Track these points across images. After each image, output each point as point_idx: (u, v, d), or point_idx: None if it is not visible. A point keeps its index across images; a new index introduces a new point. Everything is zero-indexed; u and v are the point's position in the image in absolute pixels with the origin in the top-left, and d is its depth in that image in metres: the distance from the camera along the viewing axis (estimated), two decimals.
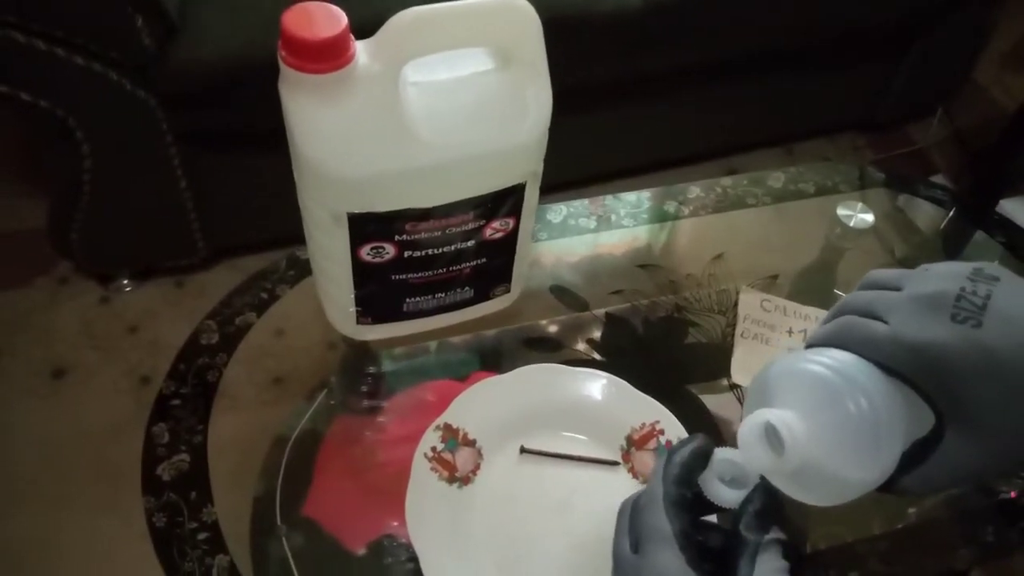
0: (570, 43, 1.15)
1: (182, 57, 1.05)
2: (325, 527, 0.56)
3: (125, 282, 1.35)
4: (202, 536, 0.54)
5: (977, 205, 0.90)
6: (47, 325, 1.31)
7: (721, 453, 0.40)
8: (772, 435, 0.36)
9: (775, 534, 0.37)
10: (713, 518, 0.41)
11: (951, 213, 0.85)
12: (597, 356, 0.67)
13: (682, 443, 0.40)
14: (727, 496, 0.39)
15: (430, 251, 0.57)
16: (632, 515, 0.39)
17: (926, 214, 0.85)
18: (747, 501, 0.38)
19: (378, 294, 0.60)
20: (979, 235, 0.83)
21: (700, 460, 0.39)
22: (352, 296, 0.59)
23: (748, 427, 0.37)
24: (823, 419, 0.36)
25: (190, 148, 1.17)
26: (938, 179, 1.58)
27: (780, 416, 0.36)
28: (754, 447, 0.36)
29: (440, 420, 0.58)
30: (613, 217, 0.78)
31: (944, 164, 1.67)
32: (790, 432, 0.35)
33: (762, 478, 0.39)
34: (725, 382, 0.66)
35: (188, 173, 1.19)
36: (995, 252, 0.81)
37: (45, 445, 1.18)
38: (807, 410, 0.36)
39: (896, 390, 0.37)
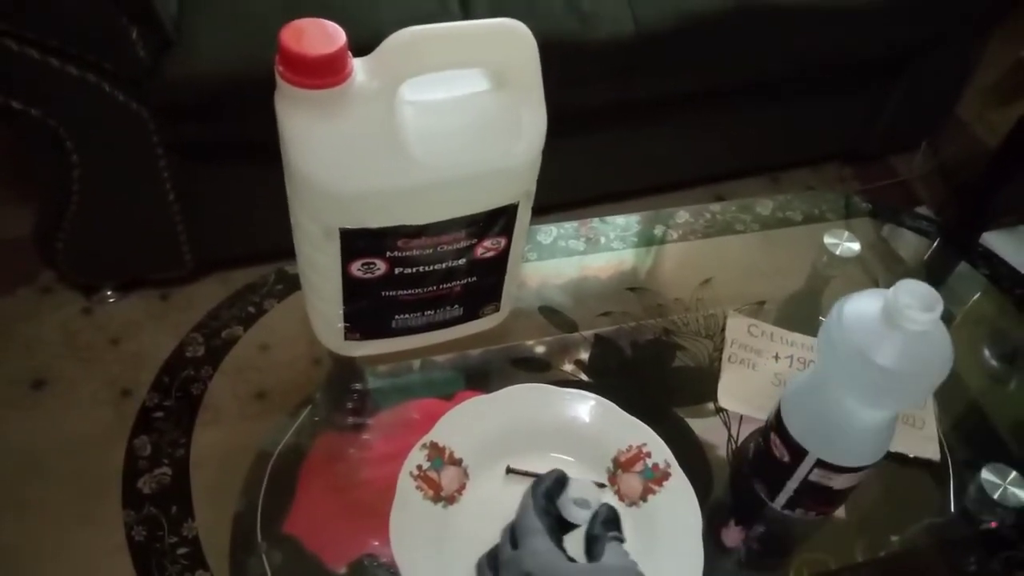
0: (563, 68, 1.16)
1: (176, 70, 1.05)
2: (306, 544, 0.55)
3: (109, 293, 1.34)
4: (182, 551, 0.53)
5: (961, 237, 0.92)
6: (29, 335, 1.29)
7: (575, 482, 0.53)
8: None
9: (616, 534, 0.50)
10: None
11: (935, 244, 0.86)
12: (584, 377, 0.67)
13: (546, 474, 0.53)
14: (579, 514, 0.51)
15: (421, 268, 0.57)
16: (512, 530, 0.51)
17: (910, 244, 0.86)
18: (594, 516, 0.52)
19: (367, 310, 0.59)
20: (962, 266, 0.84)
21: (558, 485, 0.53)
22: (341, 311, 0.59)
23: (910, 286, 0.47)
24: None
25: (180, 161, 1.16)
26: (922, 211, 1.60)
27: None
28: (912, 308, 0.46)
29: (426, 438, 0.58)
30: (603, 240, 0.78)
31: (928, 196, 1.69)
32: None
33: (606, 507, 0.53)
34: (711, 406, 0.66)
35: (177, 186, 1.18)
36: (979, 283, 0.82)
37: (23, 455, 1.16)
38: None
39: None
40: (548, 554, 0.47)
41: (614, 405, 0.61)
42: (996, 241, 1.33)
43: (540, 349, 0.69)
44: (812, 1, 1.31)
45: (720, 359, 0.69)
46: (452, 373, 0.67)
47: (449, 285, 0.60)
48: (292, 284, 0.68)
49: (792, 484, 0.56)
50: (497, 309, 0.66)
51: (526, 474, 0.58)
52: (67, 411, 1.21)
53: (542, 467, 0.58)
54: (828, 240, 0.79)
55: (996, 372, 0.76)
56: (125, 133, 1.11)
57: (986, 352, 0.77)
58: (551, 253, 0.76)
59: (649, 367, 0.69)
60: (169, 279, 1.35)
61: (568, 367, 0.67)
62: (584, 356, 0.68)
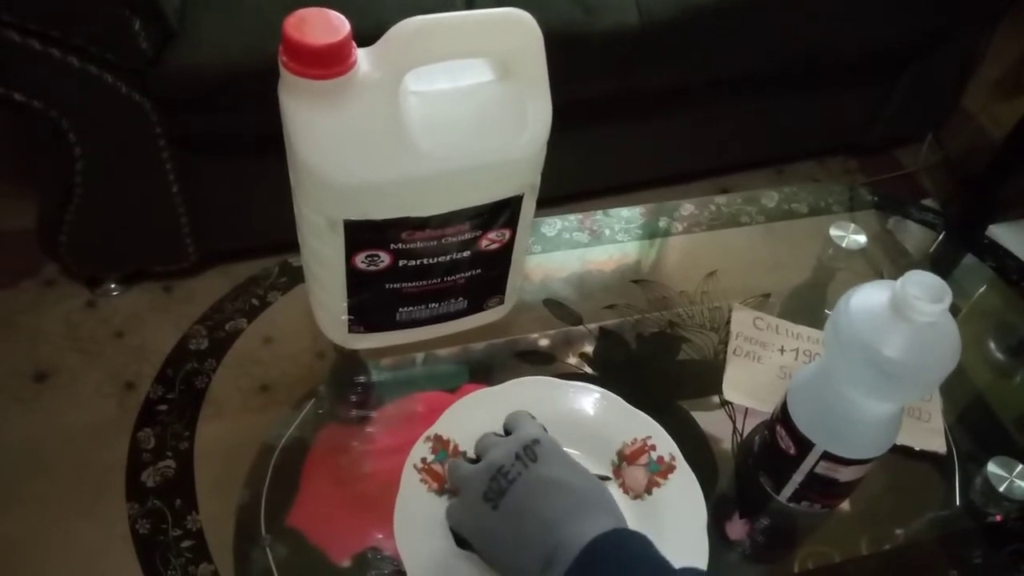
0: (567, 59, 1.16)
1: (179, 62, 1.05)
2: (310, 538, 0.55)
3: (112, 286, 1.34)
4: (186, 544, 0.53)
5: (967, 229, 0.91)
6: (32, 327, 1.30)
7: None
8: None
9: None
10: None
11: (941, 236, 0.86)
12: (589, 370, 0.66)
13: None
14: None
15: (425, 261, 0.57)
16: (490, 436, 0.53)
17: (915, 237, 0.85)
18: None
19: (371, 303, 0.59)
20: (968, 259, 0.84)
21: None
22: (345, 304, 0.59)
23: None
24: None
25: (183, 153, 1.16)
26: (927, 203, 1.59)
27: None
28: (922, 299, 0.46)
29: (431, 431, 0.58)
30: (607, 232, 0.78)
31: (933, 189, 1.69)
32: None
33: None
34: (716, 399, 0.66)
35: (180, 178, 1.18)
36: (985, 276, 0.81)
37: (26, 448, 1.17)
38: None
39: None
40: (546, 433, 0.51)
41: (619, 398, 0.61)
42: (1003, 234, 1.32)
43: (544, 342, 0.69)
44: None
45: (725, 352, 0.68)
46: (456, 366, 0.67)
47: (453, 278, 0.59)
48: (296, 277, 0.68)
49: (798, 477, 0.56)
50: (501, 302, 0.65)
51: None
52: (70, 404, 1.22)
53: None
54: (834, 232, 0.79)
55: (1002, 365, 0.75)
56: (128, 125, 1.10)
57: (992, 345, 0.76)
58: (555, 246, 0.76)
59: (654, 360, 0.69)
60: (172, 272, 1.35)
61: (572, 360, 0.67)
62: (589, 349, 0.68)
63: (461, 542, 0.50)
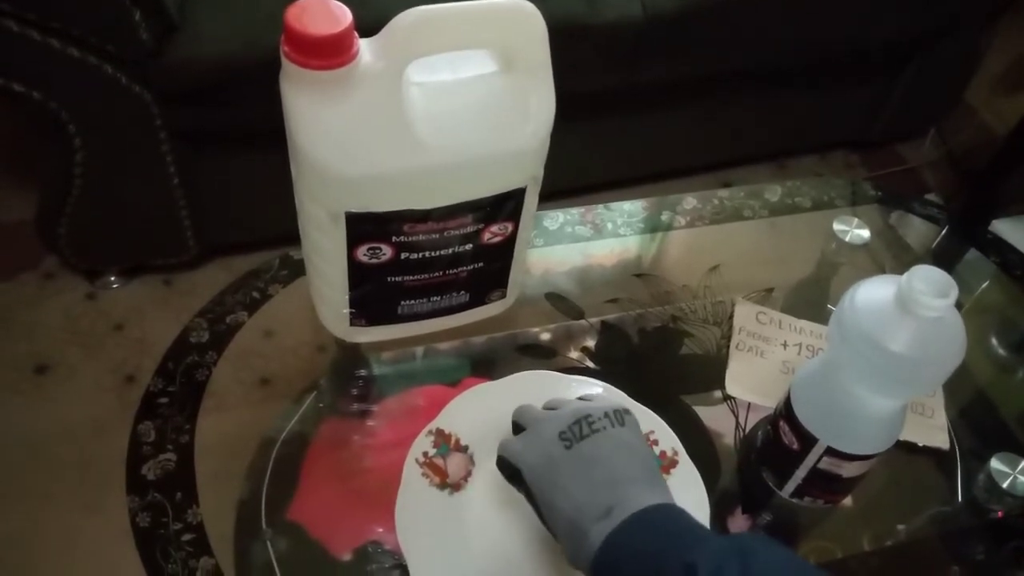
0: (570, 51, 1.15)
1: (180, 54, 1.04)
2: (310, 531, 0.55)
3: (112, 279, 1.34)
4: (186, 537, 0.53)
5: (970, 224, 0.91)
6: (31, 320, 1.29)
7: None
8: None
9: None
10: None
11: (944, 231, 0.85)
12: (591, 364, 0.66)
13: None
14: None
15: (427, 253, 0.56)
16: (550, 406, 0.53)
17: (917, 232, 0.85)
18: None
19: (373, 296, 0.59)
20: (971, 254, 0.83)
21: None
22: (346, 297, 0.59)
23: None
24: None
25: (184, 145, 1.16)
26: (930, 198, 1.59)
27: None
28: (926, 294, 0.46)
29: (432, 425, 0.57)
30: (610, 226, 0.78)
31: (936, 184, 1.68)
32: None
33: None
34: (719, 394, 0.65)
35: (181, 170, 1.18)
36: (988, 271, 0.81)
37: (25, 441, 1.16)
38: None
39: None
40: None
41: (621, 392, 0.61)
42: (1006, 229, 1.32)
43: (546, 336, 0.68)
44: None
45: (728, 346, 0.68)
46: (457, 360, 0.66)
47: (455, 271, 0.59)
48: (297, 269, 0.68)
49: (801, 472, 0.56)
50: (504, 295, 0.65)
51: None
52: (70, 397, 1.21)
53: None
54: (837, 227, 0.78)
55: (1005, 361, 0.75)
56: (128, 117, 1.10)
57: (995, 341, 0.76)
58: (557, 239, 0.76)
59: (656, 354, 0.68)
60: (172, 265, 1.34)
61: (574, 354, 0.67)
62: (591, 343, 0.68)
63: (512, 476, 0.50)
